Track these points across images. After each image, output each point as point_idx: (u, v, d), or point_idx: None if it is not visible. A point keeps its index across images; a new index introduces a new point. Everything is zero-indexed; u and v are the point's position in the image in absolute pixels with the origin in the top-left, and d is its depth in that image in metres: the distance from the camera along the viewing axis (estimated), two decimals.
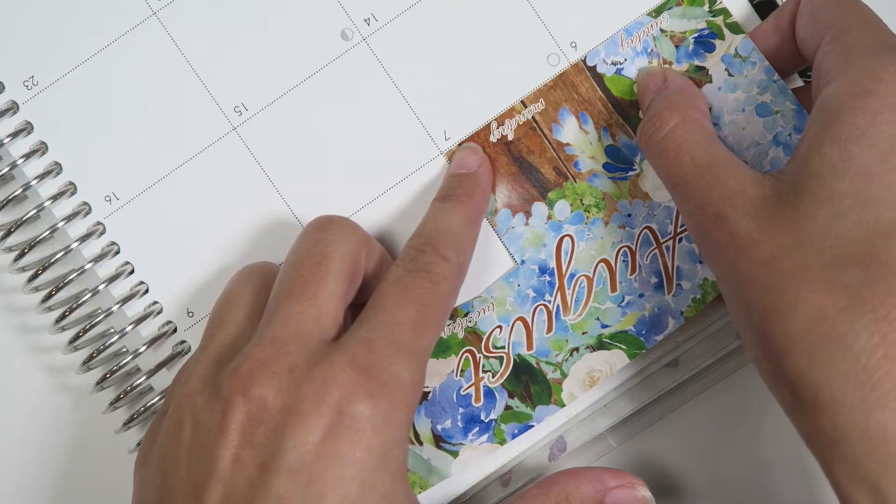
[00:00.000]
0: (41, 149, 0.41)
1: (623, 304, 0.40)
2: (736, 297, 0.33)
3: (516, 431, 0.40)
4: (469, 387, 0.40)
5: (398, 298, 0.35)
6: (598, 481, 0.37)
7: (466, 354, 0.40)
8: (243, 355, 0.34)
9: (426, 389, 0.40)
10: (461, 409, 0.40)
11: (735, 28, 0.40)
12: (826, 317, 0.30)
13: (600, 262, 0.40)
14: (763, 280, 0.32)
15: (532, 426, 0.40)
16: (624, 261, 0.40)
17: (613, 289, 0.40)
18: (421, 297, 0.35)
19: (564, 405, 0.40)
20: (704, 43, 0.40)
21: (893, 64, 0.33)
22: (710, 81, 0.40)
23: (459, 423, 0.40)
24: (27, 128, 0.41)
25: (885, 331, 0.29)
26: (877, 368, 0.29)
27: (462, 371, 0.40)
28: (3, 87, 0.41)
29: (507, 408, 0.40)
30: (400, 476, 0.33)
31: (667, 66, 0.40)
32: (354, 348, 0.33)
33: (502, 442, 0.40)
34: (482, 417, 0.40)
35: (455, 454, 0.40)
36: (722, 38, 0.40)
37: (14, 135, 0.40)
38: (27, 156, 0.40)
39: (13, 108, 0.41)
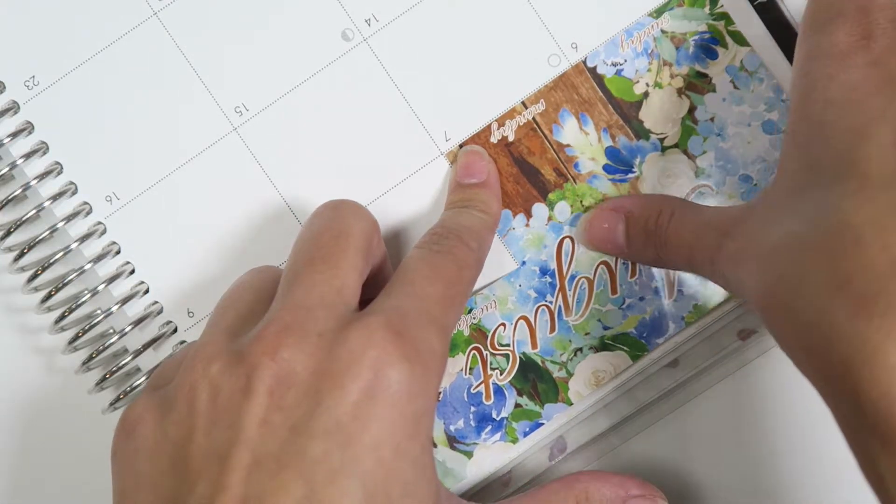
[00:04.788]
0: (42, 148, 0.41)
1: (624, 306, 0.40)
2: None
3: (528, 429, 0.40)
4: (479, 385, 0.40)
5: (427, 273, 0.35)
6: (620, 486, 0.38)
7: (473, 352, 0.40)
8: (267, 320, 0.33)
9: None
10: (473, 408, 0.40)
11: (739, 39, 0.40)
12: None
13: (600, 264, 0.40)
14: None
15: (542, 423, 0.40)
16: (624, 263, 0.40)
17: (614, 291, 0.40)
18: (448, 276, 0.35)
19: (572, 403, 0.40)
20: (706, 48, 0.40)
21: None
22: (714, 91, 0.40)
23: (472, 423, 0.40)
24: (28, 127, 0.41)
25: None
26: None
27: (471, 369, 0.40)
28: (4, 87, 0.41)
29: (517, 405, 0.40)
30: (429, 447, 0.33)
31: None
32: (388, 313, 0.33)
33: (514, 440, 0.40)
34: (493, 415, 0.40)
35: (469, 454, 0.40)
36: (724, 46, 0.40)
37: (14, 134, 0.40)
38: (28, 155, 0.40)
39: (14, 107, 0.41)
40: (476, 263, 0.37)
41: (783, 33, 0.40)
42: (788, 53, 0.40)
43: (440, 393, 0.40)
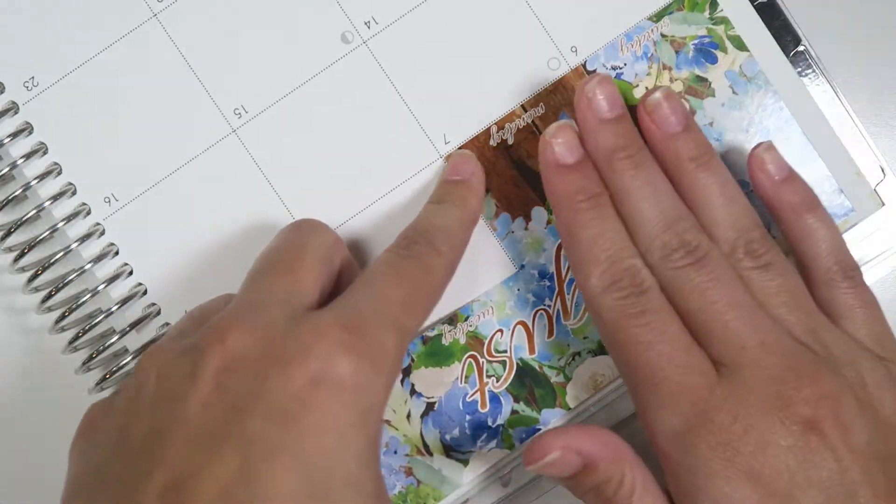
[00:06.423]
0: (41, 149, 0.41)
1: None
2: None
3: (524, 435, 0.40)
4: (474, 393, 0.40)
5: (391, 278, 0.35)
6: None
7: (469, 360, 0.40)
8: (219, 315, 0.33)
9: (431, 400, 0.40)
10: (468, 417, 0.40)
11: (738, 43, 0.40)
12: None
13: None
14: None
15: (539, 429, 0.40)
16: None
17: None
18: (413, 281, 0.35)
19: (570, 408, 0.40)
20: (705, 52, 0.40)
21: None
22: (713, 96, 0.40)
23: (467, 431, 0.40)
24: (27, 128, 0.41)
25: None
26: None
27: (466, 377, 0.40)
28: (4, 88, 0.41)
29: (514, 412, 0.40)
30: (376, 448, 0.32)
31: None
32: (341, 310, 0.33)
33: (511, 447, 0.40)
34: (489, 423, 0.40)
35: (465, 462, 0.40)
36: (724, 50, 0.40)
37: (14, 135, 0.40)
38: (27, 156, 0.40)
39: (13, 108, 0.41)
40: (446, 268, 0.37)
41: (783, 35, 0.40)
42: (788, 56, 0.40)
43: (434, 403, 0.40)
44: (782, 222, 0.38)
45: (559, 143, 0.38)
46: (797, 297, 0.36)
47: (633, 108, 0.40)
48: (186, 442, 0.30)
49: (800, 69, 0.41)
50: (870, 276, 0.42)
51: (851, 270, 0.37)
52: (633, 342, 0.35)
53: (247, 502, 0.29)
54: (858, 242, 0.41)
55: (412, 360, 0.40)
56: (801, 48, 0.41)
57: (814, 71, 0.41)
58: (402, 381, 0.40)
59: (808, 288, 0.37)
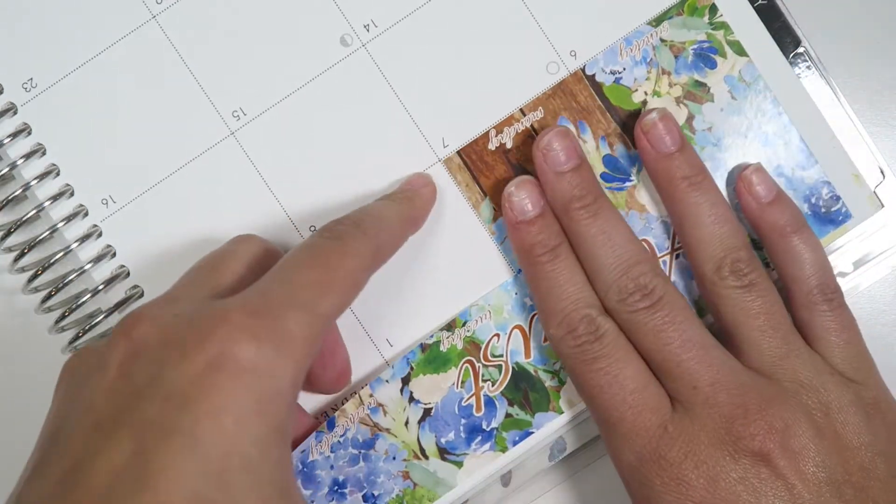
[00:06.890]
0: (40, 150, 0.41)
1: None
2: None
3: (517, 438, 0.40)
4: (470, 397, 0.40)
5: (304, 260, 0.34)
6: None
7: (466, 365, 0.40)
8: (131, 310, 0.34)
9: (429, 406, 0.40)
10: (463, 421, 0.40)
11: (738, 48, 0.40)
12: None
13: None
14: None
15: (532, 433, 0.40)
16: None
17: None
18: (328, 261, 0.34)
19: (563, 412, 0.40)
20: (704, 57, 0.40)
21: None
22: (712, 101, 0.40)
23: (462, 434, 0.40)
24: (26, 129, 0.41)
25: None
26: None
27: (462, 382, 0.40)
28: (2, 89, 0.41)
29: (508, 416, 0.40)
30: (282, 436, 0.32)
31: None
32: (248, 295, 0.33)
33: (504, 449, 0.40)
34: (483, 426, 0.40)
35: (460, 464, 0.40)
36: (723, 55, 0.40)
37: (13, 135, 0.40)
38: (27, 156, 0.40)
39: (12, 108, 0.41)
40: (371, 252, 0.36)
41: (784, 37, 0.40)
42: (788, 57, 0.40)
43: (431, 408, 0.40)
44: (767, 243, 0.39)
45: (518, 200, 0.39)
46: (775, 319, 0.38)
47: (630, 113, 0.40)
48: (88, 429, 0.31)
49: (800, 70, 0.41)
50: (870, 276, 0.42)
51: (832, 293, 0.38)
52: (589, 386, 0.37)
53: (138, 484, 0.29)
54: (859, 242, 0.41)
55: (411, 368, 0.40)
56: (801, 49, 0.40)
57: (814, 72, 0.40)
58: (401, 390, 0.40)
59: (790, 309, 0.39)
